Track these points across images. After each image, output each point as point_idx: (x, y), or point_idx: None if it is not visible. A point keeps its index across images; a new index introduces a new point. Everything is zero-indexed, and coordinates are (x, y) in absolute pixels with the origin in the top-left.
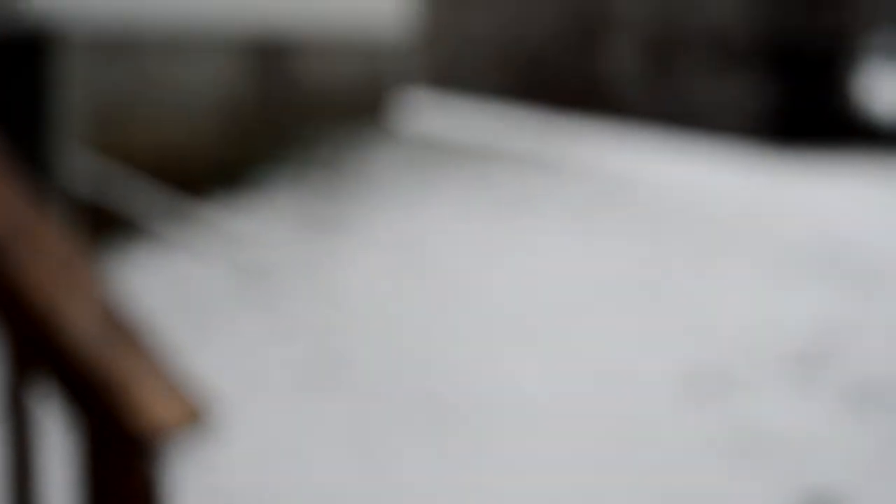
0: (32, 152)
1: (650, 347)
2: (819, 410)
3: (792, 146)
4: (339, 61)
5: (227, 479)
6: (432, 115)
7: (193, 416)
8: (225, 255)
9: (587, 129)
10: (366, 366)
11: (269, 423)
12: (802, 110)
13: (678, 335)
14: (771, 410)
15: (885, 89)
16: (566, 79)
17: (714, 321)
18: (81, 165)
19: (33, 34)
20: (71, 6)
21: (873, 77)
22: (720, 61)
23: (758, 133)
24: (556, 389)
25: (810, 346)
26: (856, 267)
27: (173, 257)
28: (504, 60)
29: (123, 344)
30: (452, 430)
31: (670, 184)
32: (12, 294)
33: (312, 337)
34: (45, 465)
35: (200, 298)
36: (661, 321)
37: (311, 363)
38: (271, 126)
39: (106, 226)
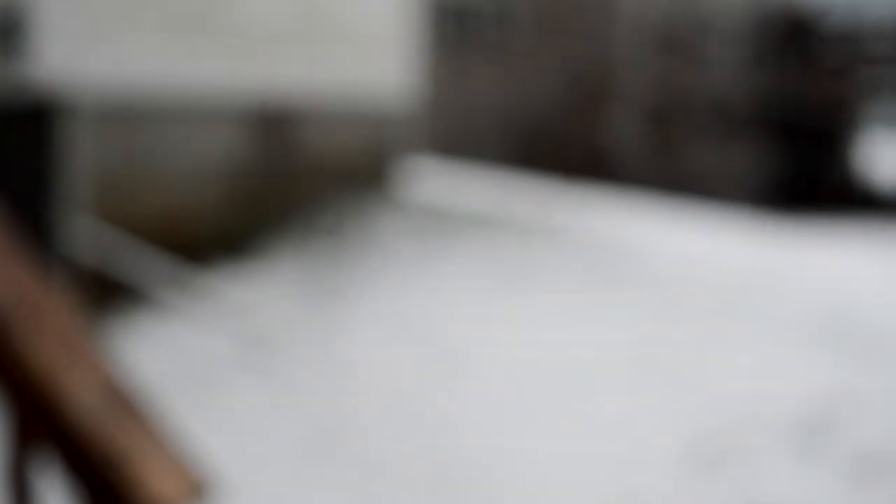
0: (36, 220)
1: (652, 417)
2: (822, 480)
3: (793, 214)
4: (342, 129)
5: None
6: (436, 183)
7: (196, 489)
8: (227, 323)
9: (590, 197)
10: (368, 435)
11: (271, 492)
12: (803, 179)
13: (680, 405)
14: (774, 480)
15: (886, 158)
16: (569, 147)
17: (716, 391)
18: (85, 233)
19: (38, 103)
20: (76, 75)
21: (873, 146)
22: (722, 130)
23: (759, 201)
24: (559, 459)
25: (813, 416)
26: (858, 336)
27: (176, 326)
28: (507, 129)
29: (125, 416)
30: (455, 501)
31: (672, 252)
32: (14, 365)
33: (314, 406)
34: None
35: (203, 367)
36: (663, 390)
37: (314, 432)
38: (275, 194)
39: (109, 294)
